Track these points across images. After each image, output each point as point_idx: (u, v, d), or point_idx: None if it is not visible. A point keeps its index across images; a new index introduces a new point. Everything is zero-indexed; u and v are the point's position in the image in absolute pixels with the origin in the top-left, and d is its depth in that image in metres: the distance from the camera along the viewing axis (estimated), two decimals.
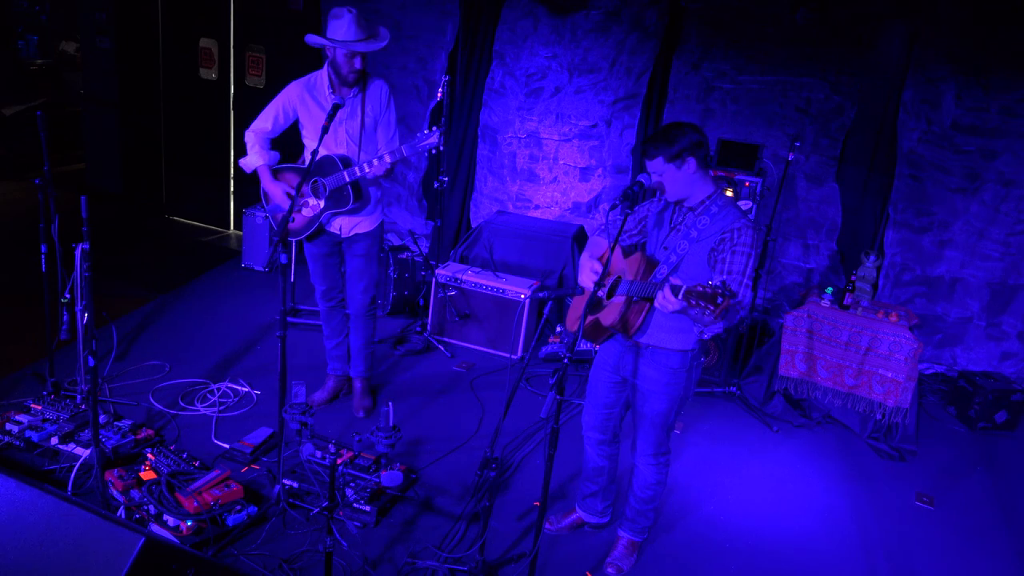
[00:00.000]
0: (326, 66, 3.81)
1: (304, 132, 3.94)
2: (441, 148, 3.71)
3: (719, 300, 2.46)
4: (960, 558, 3.74)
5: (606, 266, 2.82)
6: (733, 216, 2.86)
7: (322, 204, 3.88)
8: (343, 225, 3.97)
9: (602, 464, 3.44)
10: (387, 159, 3.67)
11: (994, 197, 5.26)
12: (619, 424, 3.36)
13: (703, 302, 2.49)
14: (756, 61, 5.54)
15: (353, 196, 3.80)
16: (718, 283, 2.48)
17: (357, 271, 4.10)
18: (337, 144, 3.85)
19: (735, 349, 5.10)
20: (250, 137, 3.92)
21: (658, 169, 2.87)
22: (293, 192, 3.82)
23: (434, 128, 3.65)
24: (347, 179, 3.76)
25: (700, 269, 2.89)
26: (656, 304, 2.70)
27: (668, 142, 2.83)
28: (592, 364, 3.33)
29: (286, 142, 4.07)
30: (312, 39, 3.72)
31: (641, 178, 2.87)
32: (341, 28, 3.65)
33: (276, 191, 3.91)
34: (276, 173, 3.94)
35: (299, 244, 5.65)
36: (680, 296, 2.57)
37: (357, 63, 3.71)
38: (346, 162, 3.78)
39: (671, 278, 2.80)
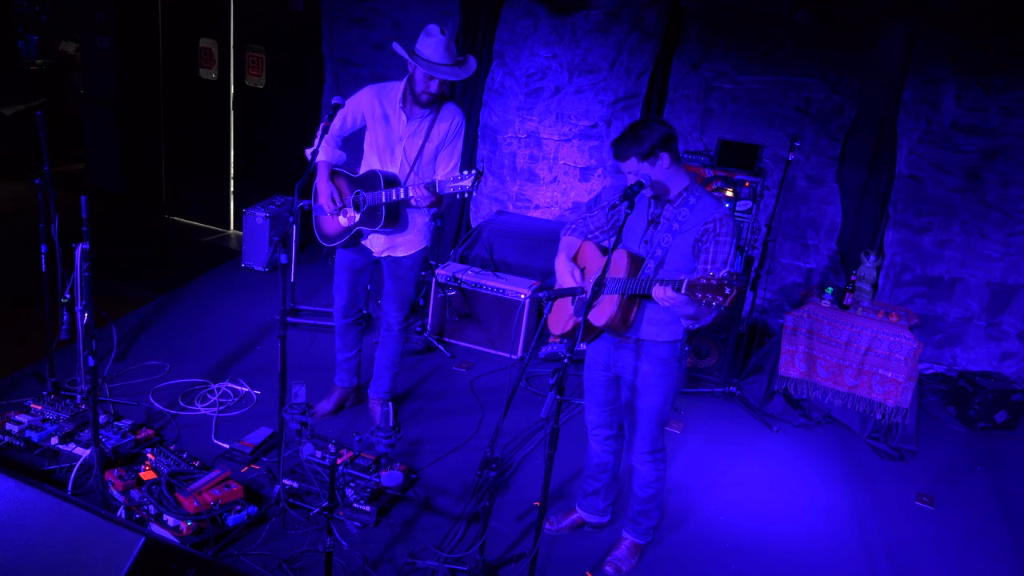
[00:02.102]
0: (405, 79, 3.70)
1: (366, 140, 3.82)
2: (474, 193, 3.55)
3: (727, 290, 2.48)
4: (960, 558, 3.74)
5: (605, 269, 2.82)
6: (712, 206, 2.88)
7: (357, 218, 3.77)
8: (376, 243, 3.88)
9: (607, 459, 3.44)
10: (422, 190, 3.50)
11: (994, 197, 5.26)
12: (622, 416, 3.37)
13: (710, 294, 2.51)
14: (756, 61, 5.54)
15: (385, 218, 3.66)
16: (724, 274, 2.49)
17: (392, 291, 4.02)
18: (392, 162, 3.75)
19: (735, 349, 5.10)
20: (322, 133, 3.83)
21: (632, 169, 2.88)
22: (338, 198, 3.78)
23: (472, 170, 3.46)
24: (383, 200, 3.62)
25: (684, 261, 2.91)
26: (655, 298, 2.71)
27: (638, 141, 2.83)
28: (584, 364, 3.34)
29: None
30: (397, 48, 3.61)
31: (641, 178, 2.87)
32: (429, 47, 3.53)
33: (323, 192, 3.80)
34: (333, 175, 3.84)
35: (300, 245, 5.67)
36: (683, 290, 2.57)
37: (434, 87, 3.59)
38: (390, 181, 3.67)
39: (677, 259, 2.83)
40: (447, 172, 3.79)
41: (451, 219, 6.44)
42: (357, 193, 3.75)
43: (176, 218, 7.35)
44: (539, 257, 5.57)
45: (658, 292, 2.70)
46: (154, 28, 6.91)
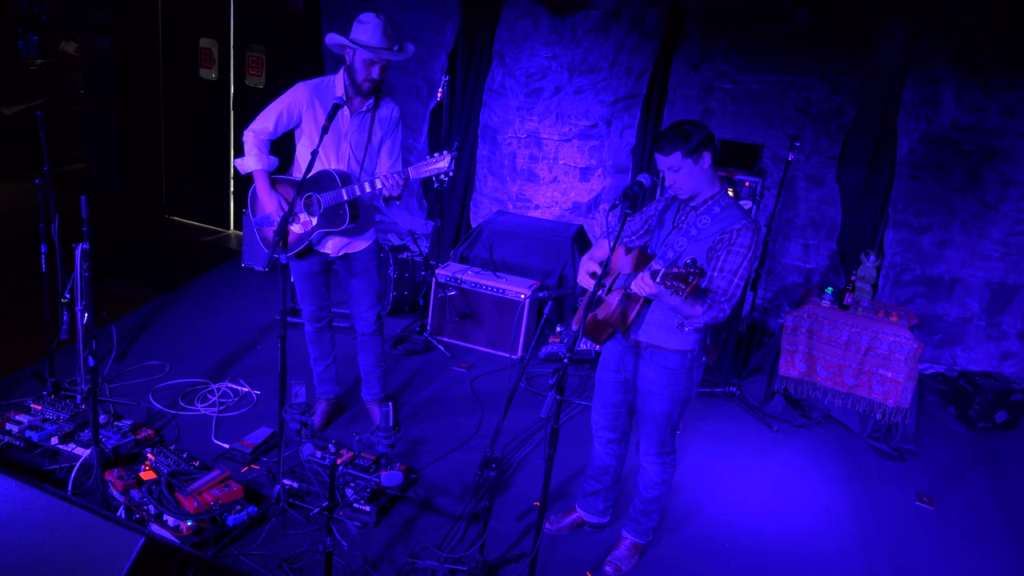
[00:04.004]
0: (342, 72, 3.60)
1: (302, 140, 3.68)
2: (451, 174, 3.40)
3: (689, 279, 2.47)
4: (960, 558, 3.74)
5: (606, 264, 2.82)
6: (735, 217, 2.86)
7: (314, 221, 3.63)
8: (331, 244, 3.76)
9: (609, 463, 3.44)
10: (398, 178, 3.46)
11: (994, 197, 5.26)
12: (628, 423, 3.37)
13: (677, 283, 2.51)
14: (756, 61, 5.55)
15: (349, 216, 3.56)
16: (688, 260, 2.49)
17: (360, 290, 3.92)
18: (339, 159, 3.65)
19: (735, 349, 5.09)
20: (249, 137, 3.64)
21: (676, 164, 2.85)
22: (286, 204, 3.61)
23: (444, 152, 3.40)
24: (345, 197, 3.52)
25: None
26: (632, 288, 2.71)
27: (685, 137, 2.82)
28: (597, 364, 3.34)
29: (283, 148, 3.86)
30: (333, 38, 3.54)
31: (641, 178, 2.87)
32: (366, 33, 3.48)
33: (270, 201, 3.64)
34: (273, 183, 3.69)
35: None
36: (658, 280, 2.58)
37: (375, 72, 3.51)
38: (345, 179, 3.55)
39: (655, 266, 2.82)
40: (390, 165, 3.73)
41: (451, 219, 6.44)
42: (309, 196, 3.61)
43: (176, 218, 7.36)
44: (539, 257, 5.57)
45: (637, 282, 2.71)
46: (154, 28, 6.92)
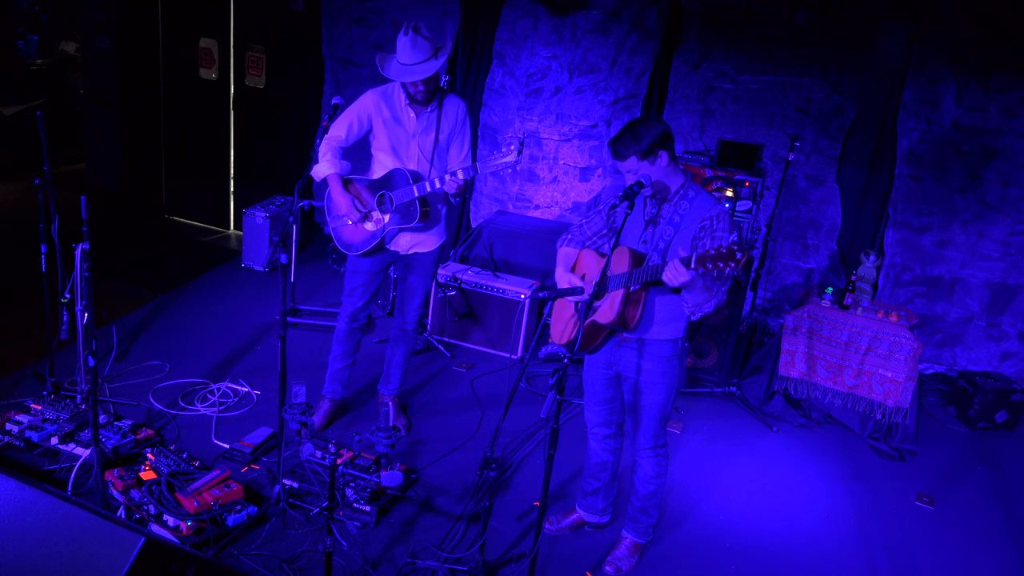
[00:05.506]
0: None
1: (375, 144, 3.81)
2: (519, 166, 3.49)
3: (738, 255, 2.47)
4: (960, 558, 3.75)
5: (605, 268, 2.82)
6: (709, 203, 2.91)
7: (387, 218, 3.75)
8: (403, 241, 3.87)
9: (606, 458, 3.45)
10: (460, 176, 3.55)
11: (994, 197, 5.26)
12: (622, 415, 3.38)
13: (721, 263, 2.51)
14: (756, 61, 5.55)
15: (420, 212, 3.69)
16: (732, 240, 2.49)
17: (415, 288, 4.01)
18: (408, 159, 3.75)
19: (735, 349, 5.09)
20: (323, 146, 3.74)
21: (631, 168, 2.88)
22: (360, 204, 3.75)
23: (511, 147, 3.46)
24: (416, 194, 3.64)
25: (685, 253, 2.91)
26: (664, 277, 2.71)
27: (637, 139, 2.84)
28: (584, 363, 3.34)
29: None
30: (378, 60, 3.64)
31: (641, 178, 2.87)
32: (403, 52, 3.55)
33: (344, 202, 3.74)
34: (346, 184, 3.79)
35: (300, 245, 5.66)
36: (692, 265, 2.57)
37: (420, 86, 3.61)
38: (416, 177, 3.67)
39: (679, 250, 2.82)
40: (460, 160, 3.83)
41: (451, 219, 6.44)
42: (381, 194, 3.74)
43: (176, 218, 7.35)
44: (539, 257, 5.57)
45: (669, 272, 2.70)
46: (154, 28, 6.91)
